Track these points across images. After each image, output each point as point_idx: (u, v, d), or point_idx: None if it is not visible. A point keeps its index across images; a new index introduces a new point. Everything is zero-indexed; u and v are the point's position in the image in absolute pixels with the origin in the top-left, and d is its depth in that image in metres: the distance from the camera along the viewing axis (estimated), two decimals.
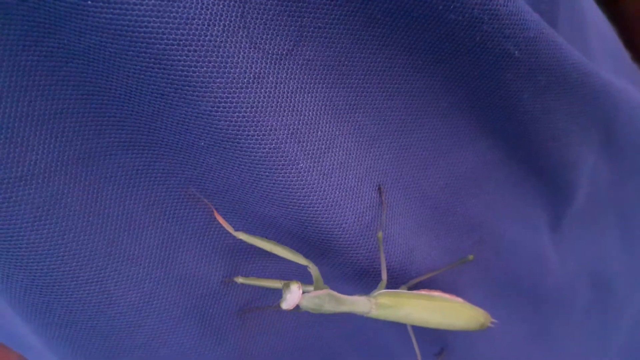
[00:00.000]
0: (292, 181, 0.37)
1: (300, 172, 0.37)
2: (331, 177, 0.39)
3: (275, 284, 0.38)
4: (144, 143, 0.37)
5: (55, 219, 0.36)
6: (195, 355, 0.43)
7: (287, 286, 0.36)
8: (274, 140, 0.36)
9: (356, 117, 0.40)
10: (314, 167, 0.38)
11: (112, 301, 0.39)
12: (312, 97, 0.37)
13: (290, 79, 0.36)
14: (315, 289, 0.39)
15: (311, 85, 0.37)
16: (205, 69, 0.32)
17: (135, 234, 0.39)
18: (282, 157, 0.36)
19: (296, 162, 0.37)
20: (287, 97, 0.36)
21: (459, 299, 0.45)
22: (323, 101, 0.38)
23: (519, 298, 0.56)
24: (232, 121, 0.34)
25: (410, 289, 0.44)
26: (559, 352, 0.62)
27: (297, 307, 0.38)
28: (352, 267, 0.43)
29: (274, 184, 0.37)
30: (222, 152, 0.36)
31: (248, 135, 0.35)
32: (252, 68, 0.34)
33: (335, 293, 0.39)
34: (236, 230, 0.38)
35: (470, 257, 0.46)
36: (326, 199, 0.39)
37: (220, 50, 0.32)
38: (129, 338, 0.40)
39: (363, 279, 0.44)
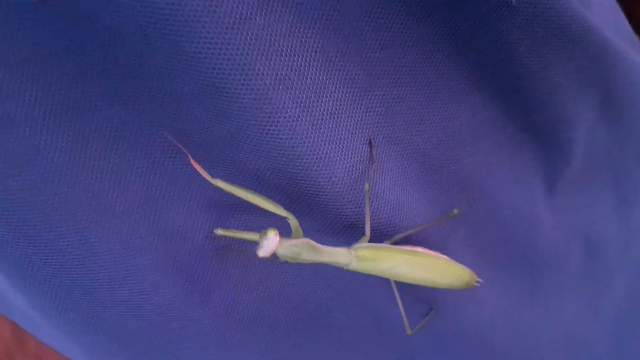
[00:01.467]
0: (281, 130, 0.36)
1: (289, 121, 0.36)
2: (321, 128, 0.38)
3: (255, 235, 0.37)
4: (129, 93, 0.36)
5: (36, 169, 0.35)
6: (179, 312, 0.42)
7: (264, 233, 0.35)
8: (261, 86, 0.34)
9: (347, 67, 0.38)
10: (303, 116, 0.36)
11: (94, 255, 0.38)
12: (302, 42, 0.36)
13: (280, 21, 0.34)
14: (294, 235, 0.38)
15: (301, 30, 0.35)
16: (189, 7, 0.31)
17: (121, 188, 0.38)
18: (270, 104, 0.35)
19: (285, 110, 0.35)
20: (276, 41, 0.34)
21: (444, 257, 0.44)
22: (313, 48, 0.36)
23: (510, 260, 0.55)
24: (217, 65, 0.33)
25: (394, 244, 0.43)
26: (550, 315, 0.62)
27: (275, 256, 0.37)
28: (337, 221, 0.42)
29: (261, 133, 0.36)
30: (208, 100, 0.35)
31: (234, 80, 0.33)
32: (238, 8, 0.32)
33: (313, 242, 0.38)
34: (215, 178, 0.36)
35: (455, 211, 0.45)
36: (316, 150, 0.38)
37: None
38: (111, 293, 0.39)
39: (348, 233, 0.43)
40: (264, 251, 0.35)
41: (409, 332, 0.47)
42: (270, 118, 0.35)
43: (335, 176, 0.39)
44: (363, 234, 0.42)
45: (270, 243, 0.35)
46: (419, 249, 0.43)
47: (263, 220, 0.42)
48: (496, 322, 0.56)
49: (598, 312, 0.68)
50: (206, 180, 0.37)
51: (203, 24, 0.31)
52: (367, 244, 0.41)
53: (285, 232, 0.38)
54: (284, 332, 0.47)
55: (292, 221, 0.38)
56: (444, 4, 0.38)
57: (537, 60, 0.43)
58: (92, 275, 0.38)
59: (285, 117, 0.36)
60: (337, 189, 0.40)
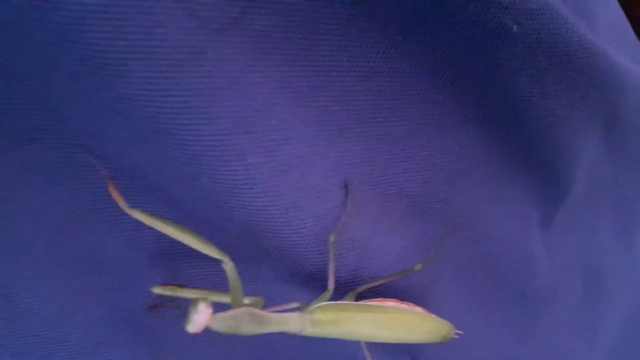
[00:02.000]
0: (239, 180, 0.31)
1: (248, 169, 0.31)
2: (288, 174, 0.33)
3: (196, 294, 0.32)
4: (61, 133, 0.30)
5: None
6: None
7: (193, 305, 0.29)
8: (215, 130, 0.29)
9: (320, 101, 0.33)
10: (266, 162, 0.31)
11: (26, 315, 0.33)
12: (264, 77, 0.30)
13: (237, 54, 0.29)
14: (232, 298, 0.32)
15: (263, 63, 0.30)
16: (123, 42, 0.25)
17: (52, 238, 0.33)
18: (227, 150, 0.30)
19: (243, 156, 0.30)
20: (233, 78, 0.29)
21: (418, 309, 0.39)
22: (278, 82, 0.31)
23: (503, 300, 0.50)
24: (161, 107, 0.27)
25: (360, 296, 0.38)
26: (544, 353, 0.57)
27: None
28: (299, 272, 0.37)
29: (215, 182, 0.31)
30: (151, 145, 0.29)
31: (183, 125, 0.28)
32: (186, 41, 0.27)
33: (257, 311, 0.32)
34: (132, 208, 0.29)
35: (418, 266, 0.39)
36: (281, 200, 0.33)
37: (144, 18, 0.25)
38: (49, 356, 0.34)
39: (310, 284, 0.38)
40: (193, 327, 0.29)
41: None
42: (226, 167, 0.30)
43: (305, 227, 0.34)
44: (325, 288, 0.36)
45: (201, 317, 0.29)
46: (389, 303, 0.38)
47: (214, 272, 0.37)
48: None
49: (593, 346, 0.64)
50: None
51: (142, 61, 0.26)
52: (326, 303, 0.35)
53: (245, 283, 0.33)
54: None
55: (229, 267, 0.31)
56: (435, 31, 0.32)
57: (539, 92, 0.38)
58: (23, 339, 0.33)
59: (244, 165, 0.30)
60: (306, 242, 0.35)
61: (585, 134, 0.45)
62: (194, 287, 0.34)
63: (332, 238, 0.35)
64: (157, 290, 0.33)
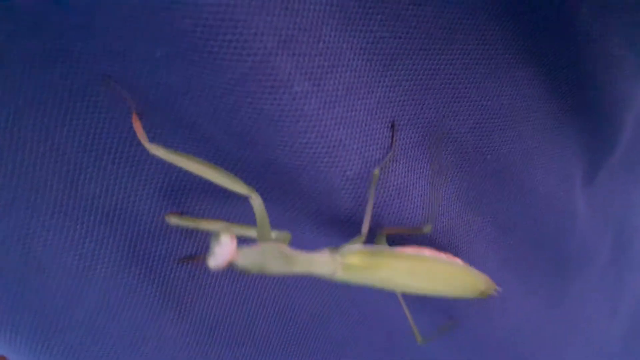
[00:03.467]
0: (284, 111, 0.27)
1: (294, 98, 0.27)
2: (334, 107, 0.29)
3: (219, 226, 0.29)
4: (78, 55, 0.27)
5: None
6: (154, 330, 0.34)
7: (216, 237, 0.25)
8: (259, 49, 0.25)
9: (371, 27, 0.29)
10: (313, 91, 0.28)
11: (40, 268, 0.30)
12: None
13: None
14: (259, 232, 0.29)
15: None
16: None
17: (70, 178, 0.29)
18: (271, 74, 0.26)
19: (290, 82, 0.27)
20: None
21: (457, 260, 0.36)
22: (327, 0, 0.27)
23: (539, 260, 0.48)
24: (199, 19, 0.24)
25: (393, 242, 0.34)
26: (571, 316, 0.55)
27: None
28: (334, 214, 0.34)
29: (258, 114, 0.27)
30: (187, 67, 0.26)
31: (223, 42, 0.24)
32: None
33: (285, 247, 0.28)
34: (152, 143, 0.26)
35: (427, 227, 0.36)
36: (327, 136, 0.29)
37: None
38: (66, 313, 0.31)
39: (344, 228, 0.35)
40: (216, 260, 0.25)
41: (420, 340, 0.40)
42: (270, 94, 0.26)
43: (351, 169, 0.31)
44: (358, 232, 0.33)
45: (224, 251, 0.25)
46: (426, 251, 0.34)
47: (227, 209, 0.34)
48: (520, 329, 0.49)
49: (617, 312, 0.62)
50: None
51: None
52: (359, 246, 0.32)
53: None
54: (276, 348, 0.39)
55: (256, 202, 0.28)
56: None
57: (598, 27, 0.35)
58: (40, 294, 0.30)
59: (290, 94, 0.27)
60: (349, 184, 0.31)
61: (638, 81, 0.42)
62: (215, 219, 0.30)
63: (375, 172, 0.31)
64: (174, 219, 0.29)
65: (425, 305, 0.41)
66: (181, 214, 0.31)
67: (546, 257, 0.48)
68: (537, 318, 0.51)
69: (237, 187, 0.27)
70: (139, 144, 0.29)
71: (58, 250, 0.29)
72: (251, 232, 0.29)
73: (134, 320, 0.33)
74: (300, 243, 0.35)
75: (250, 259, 0.26)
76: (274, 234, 0.30)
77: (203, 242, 0.34)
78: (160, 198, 0.32)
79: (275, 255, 0.27)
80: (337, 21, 0.28)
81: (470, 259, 0.42)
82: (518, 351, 0.50)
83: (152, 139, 0.29)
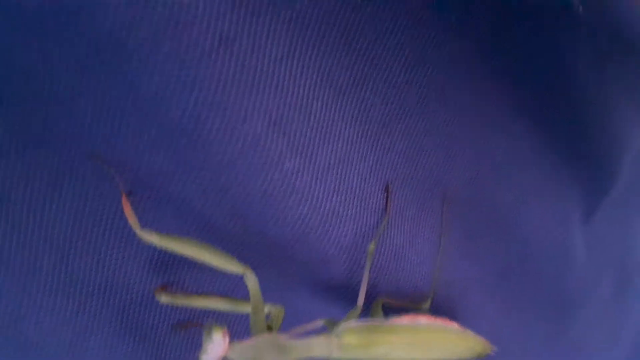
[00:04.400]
0: (275, 187, 0.27)
1: (286, 175, 0.27)
2: (327, 179, 0.29)
3: (210, 303, 0.28)
4: (64, 137, 0.26)
5: None
6: None
7: (207, 333, 0.25)
8: (249, 131, 0.25)
9: (362, 95, 0.29)
10: (304, 166, 0.27)
11: (35, 346, 0.29)
12: (303, 67, 0.26)
13: (273, 41, 0.25)
14: (252, 309, 0.28)
15: (303, 51, 0.26)
16: (143, 31, 0.21)
17: (59, 254, 0.29)
18: (262, 155, 0.26)
19: (281, 160, 0.26)
20: (268, 68, 0.25)
21: (453, 325, 0.35)
22: (319, 73, 0.27)
23: (539, 301, 0.47)
24: (187, 106, 0.23)
25: (389, 312, 0.34)
26: (573, 351, 0.55)
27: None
28: (329, 284, 0.34)
29: (248, 193, 0.27)
30: (175, 151, 0.25)
31: (212, 128, 0.24)
32: (217, 26, 0.23)
33: (278, 338, 0.28)
34: (144, 228, 0.25)
35: (426, 304, 0.36)
36: (320, 208, 0.29)
37: (172, 0, 0.21)
38: None
39: (339, 298, 0.34)
40: (208, 358, 0.25)
41: None
42: (261, 174, 0.26)
43: (345, 238, 0.30)
44: (355, 297, 0.32)
45: (216, 347, 0.25)
46: (422, 319, 0.34)
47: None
48: None
49: (618, 342, 0.62)
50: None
51: (165, 50, 0.22)
52: (354, 323, 0.31)
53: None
54: None
55: (251, 280, 0.28)
56: (493, 12, 0.28)
57: (596, 78, 0.35)
58: None
59: (282, 171, 0.26)
60: (343, 253, 0.31)
61: (636, 124, 0.41)
62: (206, 294, 0.30)
63: (371, 246, 0.31)
64: (164, 298, 0.28)
65: None
66: (166, 286, 0.31)
67: (545, 299, 0.47)
68: (538, 356, 0.50)
69: (232, 266, 0.27)
70: None
71: (51, 327, 0.29)
72: (244, 308, 0.29)
73: None
74: (295, 311, 0.35)
75: (243, 354, 0.26)
76: (267, 308, 0.29)
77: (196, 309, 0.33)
78: (152, 267, 0.31)
79: (269, 347, 0.27)
80: (328, 94, 0.27)
81: (469, 308, 0.41)
82: None
83: (140, 215, 0.29)
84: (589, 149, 0.40)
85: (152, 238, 0.25)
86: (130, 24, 0.21)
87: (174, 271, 0.31)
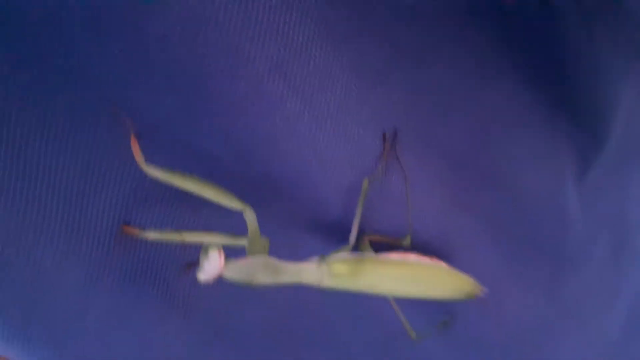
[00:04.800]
0: (278, 129, 0.29)
1: (288, 118, 0.29)
2: (326, 124, 0.30)
3: (203, 237, 0.30)
4: (78, 82, 0.28)
5: None
6: (160, 336, 0.36)
7: (204, 252, 0.27)
8: (252, 73, 0.27)
9: (360, 44, 0.31)
10: (305, 110, 0.29)
11: (50, 283, 0.31)
12: (302, 15, 0.28)
13: None
14: (249, 244, 0.30)
15: (301, 1, 0.28)
16: None
17: (74, 197, 0.31)
18: (264, 96, 0.27)
19: (282, 103, 0.28)
20: (269, 17, 0.26)
21: (442, 264, 0.37)
22: (316, 22, 0.28)
23: (536, 256, 0.49)
24: (194, 47, 0.25)
25: (379, 248, 0.36)
26: (570, 311, 0.56)
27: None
28: (328, 223, 0.35)
29: (252, 133, 0.28)
30: (183, 91, 0.27)
31: (217, 69, 0.26)
32: None
33: (272, 259, 0.30)
34: (148, 164, 0.27)
35: (407, 239, 0.38)
36: (321, 152, 0.31)
37: None
38: (76, 323, 0.33)
39: (336, 236, 0.36)
40: (205, 275, 0.27)
41: (414, 337, 0.41)
42: (263, 115, 0.28)
43: (345, 180, 0.32)
44: (346, 241, 0.34)
45: (212, 265, 0.27)
46: (411, 256, 0.36)
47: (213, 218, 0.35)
48: (518, 325, 0.51)
49: (615, 305, 0.63)
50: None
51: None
52: (344, 254, 0.33)
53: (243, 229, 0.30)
54: (282, 350, 0.41)
55: (249, 216, 0.29)
56: None
57: (586, 34, 0.36)
58: (51, 307, 0.32)
59: (283, 113, 0.28)
60: (344, 194, 0.33)
61: (627, 82, 0.43)
62: (198, 230, 0.32)
63: (365, 183, 0.33)
64: (152, 234, 0.29)
65: (421, 304, 0.42)
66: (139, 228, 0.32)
67: (542, 254, 0.49)
68: (535, 314, 0.52)
69: (232, 202, 0.29)
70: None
71: (66, 265, 0.31)
72: (240, 242, 0.31)
73: (140, 328, 0.35)
74: (295, 249, 0.37)
75: (238, 271, 0.28)
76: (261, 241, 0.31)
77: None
78: (162, 209, 0.33)
79: (263, 267, 0.29)
80: (326, 42, 0.29)
81: (466, 260, 0.43)
82: (516, 346, 0.52)
83: (150, 157, 0.31)
84: (579, 107, 0.42)
85: (157, 173, 0.27)
86: None
87: (182, 211, 0.33)
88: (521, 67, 0.37)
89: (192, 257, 0.35)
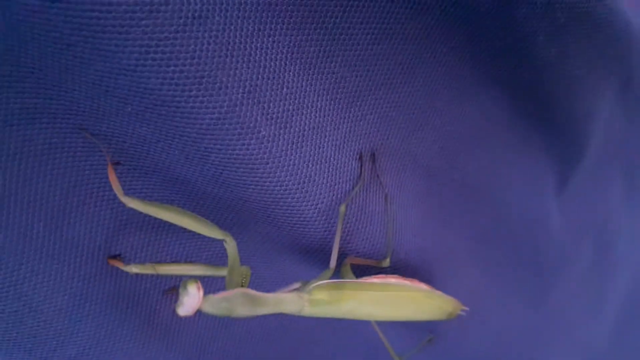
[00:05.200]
0: (253, 154, 0.29)
1: (262, 142, 0.29)
2: (302, 147, 0.31)
3: (182, 270, 0.30)
4: (59, 112, 0.28)
5: None
6: (144, 359, 0.36)
7: (183, 287, 0.27)
8: (225, 101, 0.27)
9: (332, 68, 0.31)
10: (279, 134, 0.30)
11: (32, 310, 0.31)
12: (274, 42, 0.28)
13: (245, 18, 0.27)
14: (229, 274, 0.30)
15: (273, 27, 0.28)
16: (122, 8, 0.23)
17: (54, 223, 0.31)
18: (238, 123, 0.28)
19: (256, 128, 0.28)
20: (241, 43, 0.27)
21: (422, 285, 0.37)
22: (289, 47, 0.29)
23: (517, 267, 0.50)
24: (165, 77, 0.25)
25: (360, 273, 0.36)
26: (557, 320, 0.57)
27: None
28: (308, 248, 0.36)
29: (228, 159, 0.29)
30: (157, 120, 0.27)
31: (190, 97, 0.26)
32: (189, 3, 0.25)
33: (251, 291, 0.29)
34: (127, 195, 0.27)
35: (386, 262, 0.38)
36: (297, 174, 0.31)
37: None
38: (60, 351, 0.33)
39: (317, 260, 0.36)
40: (184, 310, 0.27)
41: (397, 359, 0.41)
42: (238, 141, 0.28)
43: (322, 202, 0.33)
44: (327, 264, 0.34)
45: (192, 300, 0.26)
46: (392, 279, 0.36)
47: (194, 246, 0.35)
48: (503, 333, 0.51)
49: (601, 311, 0.64)
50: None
51: (142, 27, 0.24)
52: (324, 281, 0.33)
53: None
54: None
55: (230, 246, 0.30)
56: None
57: (557, 51, 0.37)
58: (33, 331, 0.32)
59: (257, 138, 0.29)
60: (322, 216, 0.33)
61: (601, 95, 0.44)
62: (177, 262, 0.32)
63: (342, 207, 0.33)
64: (135, 269, 0.30)
65: (404, 323, 0.43)
66: (118, 255, 0.32)
67: (523, 263, 0.50)
68: (520, 322, 0.53)
69: (212, 232, 0.29)
70: None
71: (48, 291, 0.31)
72: (220, 273, 0.31)
73: (124, 352, 0.35)
74: (278, 273, 0.37)
75: (217, 306, 0.28)
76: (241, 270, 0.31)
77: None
78: (142, 235, 0.34)
79: (242, 300, 0.29)
80: (299, 67, 0.29)
81: (451, 272, 0.44)
82: (502, 355, 0.52)
83: (129, 183, 0.31)
84: (556, 120, 0.42)
85: (135, 204, 0.27)
86: (108, 2, 0.23)
87: (162, 237, 0.34)
88: (495, 84, 0.38)
89: (174, 282, 0.35)
